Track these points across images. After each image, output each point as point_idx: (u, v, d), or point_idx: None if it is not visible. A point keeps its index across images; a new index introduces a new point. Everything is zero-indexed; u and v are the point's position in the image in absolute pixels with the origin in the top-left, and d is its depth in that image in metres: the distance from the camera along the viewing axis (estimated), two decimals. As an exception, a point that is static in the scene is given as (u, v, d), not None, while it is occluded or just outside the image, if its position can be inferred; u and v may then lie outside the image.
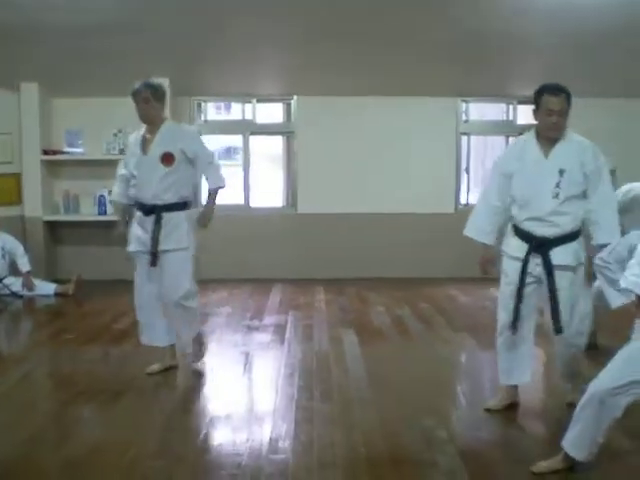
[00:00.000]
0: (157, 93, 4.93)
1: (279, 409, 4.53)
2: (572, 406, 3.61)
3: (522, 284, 4.23)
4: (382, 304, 7.75)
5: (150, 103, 4.88)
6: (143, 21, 7.19)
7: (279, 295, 8.29)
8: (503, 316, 4.41)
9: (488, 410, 4.46)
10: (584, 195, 4.14)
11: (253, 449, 3.89)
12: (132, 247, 5.10)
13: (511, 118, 9.42)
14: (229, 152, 20.86)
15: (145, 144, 4.97)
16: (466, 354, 6.05)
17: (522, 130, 9.18)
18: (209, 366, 5.47)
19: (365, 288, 8.56)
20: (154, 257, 4.98)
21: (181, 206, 5.02)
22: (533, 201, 4.15)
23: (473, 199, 9.69)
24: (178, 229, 5.00)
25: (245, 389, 5.12)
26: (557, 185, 4.08)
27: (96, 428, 4.23)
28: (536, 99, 4.14)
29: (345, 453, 3.84)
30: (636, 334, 3.49)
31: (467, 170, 9.47)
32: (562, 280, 4.16)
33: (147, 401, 4.71)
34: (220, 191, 5.17)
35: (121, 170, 5.15)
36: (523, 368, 4.47)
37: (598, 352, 5.65)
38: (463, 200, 9.53)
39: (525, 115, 9.37)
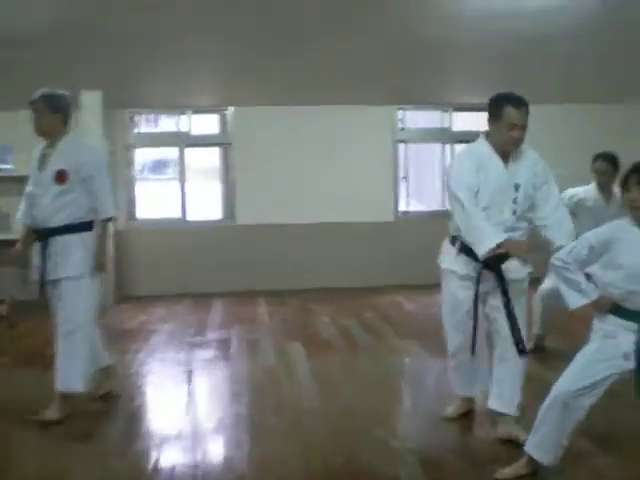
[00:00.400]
0: (53, 104, 4.45)
1: (231, 426, 4.37)
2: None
3: (477, 304, 3.98)
4: (327, 315, 7.64)
5: (44, 114, 4.44)
6: (78, 33, 6.98)
7: (220, 309, 8.11)
8: (456, 338, 4.16)
9: (445, 418, 4.38)
10: (530, 209, 3.98)
11: (208, 469, 3.73)
12: (32, 275, 4.61)
13: (447, 125, 9.44)
14: (159, 166, 20.60)
15: (43, 160, 4.53)
16: (415, 362, 5.97)
17: (458, 137, 9.30)
18: (154, 387, 5.27)
19: (308, 299, 8.44)
20: (41, 287, 4.48)
21: (75, 228, 4.45)
22: (493, 217, 3.85)
23: (412, 207, 9.71)
24: (69, 255, 4.43)
25: (194, 408, 4.91)
26: (514, 201, 3.89)
27: (35, 457, 3.97)
28: (495, 110, 3.85)
29: (303, 469, 3.70)
30: (594, 335, 3.46)
31: (405, 178, 9.45)
32: (515, 295, 3.94)
33: (90, 426, 4.46)
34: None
35: (27, 188, 4.69)
36: (480, 380, 4.29)
37: (547, 355, 5.69)
38: (402, 208, 9.49)
39: (461, 122, 9.45)
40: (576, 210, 5.46)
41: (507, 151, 3.89)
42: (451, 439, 4.07)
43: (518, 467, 3.52)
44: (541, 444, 3.40)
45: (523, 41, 7.59)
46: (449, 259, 4.10)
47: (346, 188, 9.09)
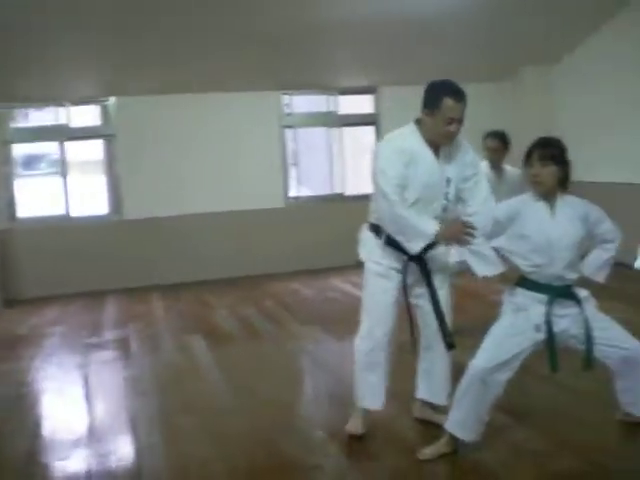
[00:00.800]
0: None
1: (142, 429, 4.22)
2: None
3: (407, 298, 3.80)
4: (224, 306, 7.52)
5: None
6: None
7: (114, 307, 7.85)
8: (378, 333, 3.79)
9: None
10: (458, 201, 3.76)
11: (124, 475, 3.59)
12: None
13: (333, 109, 9.46)
14: (32, 161, 19.71)
15: None
16: (320, 347, 5.96)
17: (344, 121, 9.34)
18: (54, 394, 5.04)
19: (203, 291, 8.30)
20: None
21: None
22: (424, 213, 3.61)
23: (303, 192, 9.70)
24: None
25: (99, 412, 4.71)
26: (445, 196, 3.67)
27: None
28: (432, 100, 3.56)
29: (223, 467, 3.63)
30: (505, 308, 3.54)
31: (295, 163, 9.41)
32: (439, 283, 3.83)
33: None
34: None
35: None
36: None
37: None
38: (292, 194, 9.45)
39: (346, 105, 9.49)
40: None
41: (440, 144, 3.65)
42: (373, 425, 4.04)
43: (439, 446, 3.59)
44: (462, 422, 3.46)
45: (408, 22, 7.65)
46: (372, 251, 3.81)
47: (235, 176, 8.97)
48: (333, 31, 7.74)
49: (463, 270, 5.68)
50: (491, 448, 3.60)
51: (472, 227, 3.50)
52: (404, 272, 3.73)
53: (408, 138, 3.66)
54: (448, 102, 3.52)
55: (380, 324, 3.78)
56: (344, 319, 6.32)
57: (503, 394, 3.47)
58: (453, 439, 3.54)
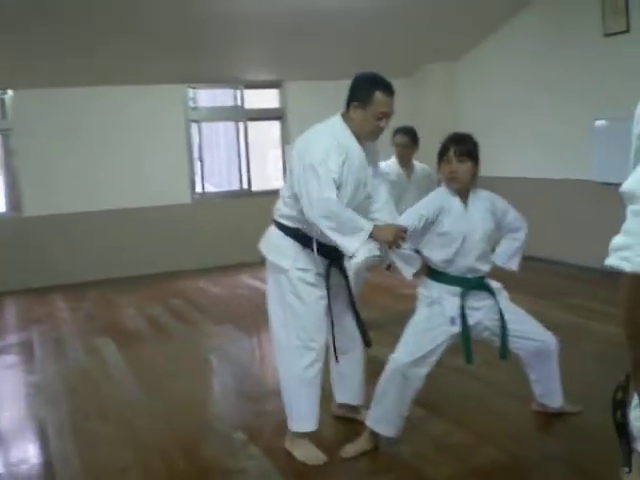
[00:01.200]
0: None
1: (54, 437, 4.06)
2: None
3: (330, 302, 3.62)
4: (132, 305, 7.35)
5: None
6: None
7: (14, 309, 7.56)
8: (318, 344, 3.58)
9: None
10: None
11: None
12: None
13: (239, 103, 9.36)
14: None
15: None
16: (235, 346, 5.89)
17: (250, 115, 9.26)
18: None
19: (109, 290, 8.08)
20: None
21: None
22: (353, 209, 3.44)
23: (209, 188, 9.58)
24: None
25: (5, 420, 4.48)
26: (367, 196, 3.57)
27: None
28: (363, 93, 3.43)
29: (143, 475, 3.53)
30: (420, 303, 3.58)
31: (200, 158, 9.27)
32: (355, 282, 3.89)
33: None
34: None
35: None
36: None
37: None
38: (199, 189, 9.31)
39: (252, 100, 9.41)
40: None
41: (367, 140, 3.53)
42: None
43: (360, 443, 3.60)
44: (384, 418, 3.48)
45: (313, 17, 7.64)
46: (297, 258, 3.54)
47: (140, 171, 8.76)
48: (238, 24, 7.63)
49: (374, 265, 5.79)
50: (411, 442, 3.64)
51: (405, 230, 3.41)
52: (327, 276, 3.60)
53: (339, 132, 3.47)
54: (380, 96, 3.41)
55: (319, 334, 3.57)
56: (254, 316, 6.36)
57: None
58: (373, 435, 3.56)
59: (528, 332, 3.62)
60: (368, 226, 3.35)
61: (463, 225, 3.46)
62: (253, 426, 4.06)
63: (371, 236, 3.33)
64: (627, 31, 6.91)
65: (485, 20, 8.51)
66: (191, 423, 4.16)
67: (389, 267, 5.61)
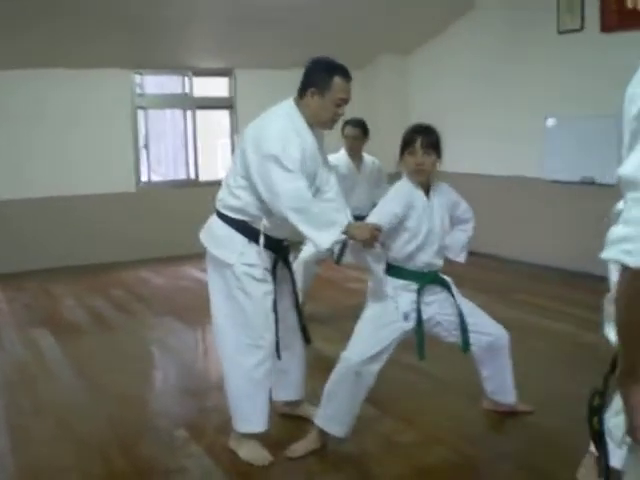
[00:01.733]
0: None
1: (-15, 434, 3.87)
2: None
3: (276, 298, 3.47)
4: (71, 296, 7.09)
5: None
6: None
7: (-54, 299, 7.24)
8: (267, 340, 3.43)
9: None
10: None
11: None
12: None
13: (187, 91, 9.15)
14: None
15: None
16: (176, 339, 5.71)
17: (199, 103, 9.06)
18: None
19: (48, 280, 7.79)
20: None
21: None
22: None
23: (154, 176, 9.35)
24: None
25: None
26: (318, 188, 3.42)
27: None
28: (321, 78, 3.29)
29: (81, 474, 3.37)
30: (369, 298, 3.47)
31: (146, 146, 9.04)
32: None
33: None
34: None
35: None
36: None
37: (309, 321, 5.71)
38: (144, 178, 9.08)
39: (201, 87, 9.22)
40: None
41: (322, 128, 3.41)
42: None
43: (308, 442, 3.49)
44: (335, 417, 3.37)
45: (264, 4, 7.49)
46: (244, 252, 3.36)
47: (84, 158, 8.45)
48: (186, 8, 7.41)
49: (314, 266, 5.69)
50: (360, 441, 3.54)
51: (380, 230, 3.22)
52: (274, 272, 3.47)
53: (295, 119, 3.32)
54: (339, 81, 3.28)
55: (268, 331, 3.41)
56: (198, 308, 6.14)
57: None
58: (322, 434, 3.45)
59: (481, 326, 3.56)
60: (342, 221, 3.19)
61: (427, 219, 3.37)
62: (195, 423, 3.92)
63: (345, 233, 3.16)
64: (581, 29, 6.92)
65: (439, 14, 8.46)
66: (131, 420, 3.99)
67: (339, 261, 5.53)
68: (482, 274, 6.94)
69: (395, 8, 7.98)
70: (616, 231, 1.22)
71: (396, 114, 9.09)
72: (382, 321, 3.38)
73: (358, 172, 5.89)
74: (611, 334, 1.45)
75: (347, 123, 5.86)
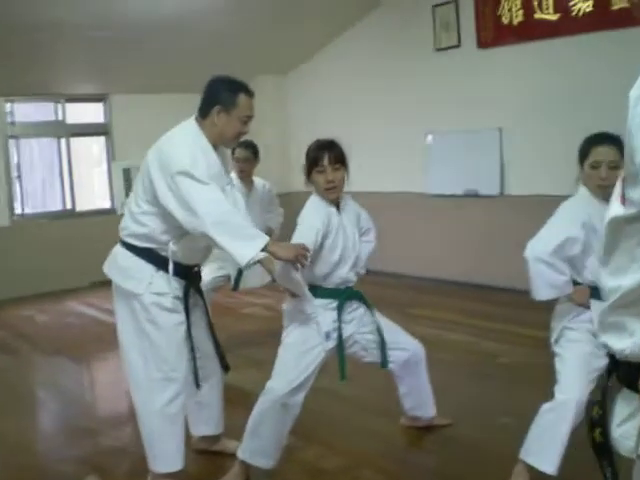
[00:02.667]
0: None
1: None
2: None
3: (190, 328, 3.32)
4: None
5: None
6: None
7: None
8: (181, 374, 3.25)
9: None
10: None
11: None
12: None
13: (61, 118, 8.78)
14: None
15: None
16: (67, 378, 5.37)
17: (73, 130, 8.71)
18: None
19: None
20: None
21: None
22: None
23: (29, 209, 8.88)
24: None
25: None
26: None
27: None
28: (227, 96, 3.20)
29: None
30: (290, 322, 3.37)
31: (19, 177, 8.58)
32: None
33: None
34: None
35: None
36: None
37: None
38: (18, 210, 8.61)
39: (75, 114, 8.88)
40: None
41: (227, 146, 3.38)
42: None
43: (231, 477, 3.34)
44: (260, 450, 3.25)
45: (140, 29, 7.29)
46: (153, 281, 3.21)
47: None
48: (54, 31, 7.09)
49: (213, 291, 5.53)
50: (284, 471, 3.42)
51: (307, 249, 3.08)
52: (185, 299, 3.30)
53: (198, 139, 3.21)
54: (245, 99, 3.22)
55: (181, 363, 3.25)
56: (86, 344, 5.99)
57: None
58: (245, 467, 3.31)
59: (398, 342, 3.54)
60: (263, 236, 3.03)
61: (342, 235, 3.32)
62: (105, 465, 3.68)
63: (267, 251, 2.98)
64: (458, 46, 7.12)
65: (316, 34, 8.52)
66: (32, 468, 3.70)
67: (236, 287, 5.41)
68: (379, 291, 6.94)
69: (270, 29, 7.98)
70: None
71: (276, 133, 9.09)
72: (305, 347, 3.28)
73: (250, 196, 5.77)
74: (612, 341, 1.41)
75: (237, 145, 5.74)
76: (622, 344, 1.38)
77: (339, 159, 3.28)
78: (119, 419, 4.36)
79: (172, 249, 3.19)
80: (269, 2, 7.45)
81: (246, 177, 5.78)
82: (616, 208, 1.37)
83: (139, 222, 3.22)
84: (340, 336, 3.31)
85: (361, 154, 8.34)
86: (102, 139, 9.13)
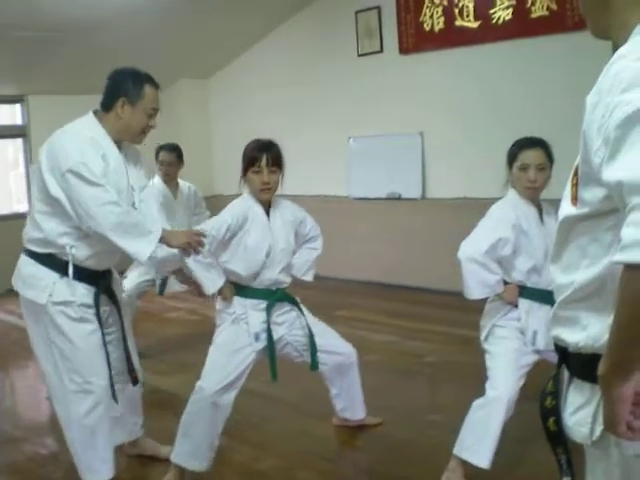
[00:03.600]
0: None
1: None
2: None
3: (104, 334, 3.19)
4: None
5: None
6: None
7: None
8: (97, 384, 3.12)
9: None
10: None
11: None
12: None
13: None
14: None
15: None
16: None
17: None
18: None
19: None
20: None
21: None
22: None
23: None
24: None
25: None
26: (134, 206, 3.20)
27: None
28: (132, 87, 3.12)
29: None
30: (221, 321, 3.40)
31: None
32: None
33: None
34: None
35: None
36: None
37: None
38: None
39: (3, 116, 8.65)
40: None
41: (133, 141, 3.23)
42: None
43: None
44: (193, 452, 3.25)
45: (59, 28, 7.13)
46: (55, 290, 3.06)
47: None
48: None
49: (137, 298, 5.44)
50: (219, 474, 3.42)
51: (203, 235, 3.11)
52: (97, 306, 3.15)
53: (92, 129, 3.09)
54: (150, 90, 3.14)
55: (96, 373, 3.11)
56: (6, 350, 5.82)
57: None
58: (180, 471, 3.29)
59: (330, 346, 3.59)
60: (156, 228, 3.01)
61: (268, 236, 3.34)
62: (32, 473, 3.59)
63: (162, 241, 3.00)
64: (380, 51, 7.24)
65: (238, 38, 8.51)
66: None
67: (162, 292, 5.36)
68: (300, 293, 6.99)
69: (191, 32, 7.92)
70: (631, 233, 1.18)
71: (197, 136, 9.03)
72: (235, 346, 3.31)
73: (175, 199, 5.73)
74: (565, 335, 1.49)
75: (161, 148, 5.72)
76: (576, 337, 1.45)
77: (276, 162, 3.33)
78: (42, 426, 4.26)
79: (72, 253, 3.06)
80: (190, 4, 7.40)
81: (171, 180, 5.74)
82: (567, 209, 1.45)
83: (36, 225, 3.09)
84: (270, 337, 3.34)
85: (285, 157, 8.43)
86: (19, 141, 8.88)
